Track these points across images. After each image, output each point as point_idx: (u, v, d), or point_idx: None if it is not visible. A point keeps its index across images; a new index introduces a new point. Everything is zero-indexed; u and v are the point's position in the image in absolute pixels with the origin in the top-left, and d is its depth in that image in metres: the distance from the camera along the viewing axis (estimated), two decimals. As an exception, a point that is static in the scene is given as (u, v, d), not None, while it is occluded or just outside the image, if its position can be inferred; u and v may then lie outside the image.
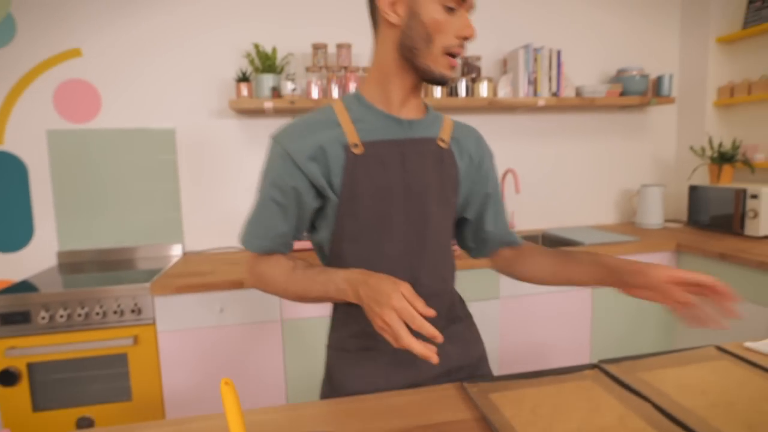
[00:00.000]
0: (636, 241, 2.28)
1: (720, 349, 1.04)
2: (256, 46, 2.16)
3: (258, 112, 2.29)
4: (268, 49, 2.21)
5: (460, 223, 1.08)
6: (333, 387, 0.98)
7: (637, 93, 2.60)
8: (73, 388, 1.79)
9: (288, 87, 2.14)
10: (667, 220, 2.84)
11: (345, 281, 0.81)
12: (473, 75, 2.42)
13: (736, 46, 2.68)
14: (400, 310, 0.71)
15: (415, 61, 0.86)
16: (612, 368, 0.95)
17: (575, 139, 2.75)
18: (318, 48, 2.23)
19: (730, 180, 2.57)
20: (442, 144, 0.95)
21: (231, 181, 2.36)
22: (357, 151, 0.86)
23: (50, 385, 1.79)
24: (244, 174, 2.37)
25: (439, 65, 0.85)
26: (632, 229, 2.63)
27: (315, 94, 2.19)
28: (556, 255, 1.00)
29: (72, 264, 2.21)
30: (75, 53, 2.13)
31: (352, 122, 0.88)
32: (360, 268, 0.89)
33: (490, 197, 1.04)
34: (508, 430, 0.74)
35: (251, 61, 2.18)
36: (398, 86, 0.90)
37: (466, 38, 0.85)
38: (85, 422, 1.80)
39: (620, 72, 2.63)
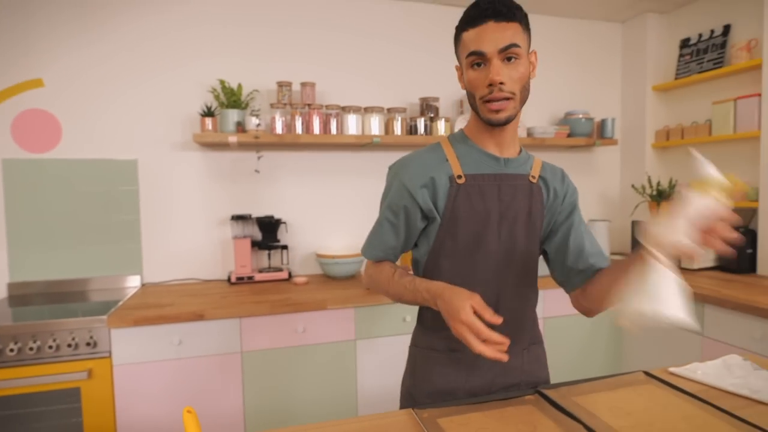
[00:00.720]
0: (583, 273, 2.42)
1: (647, 374, 1.14)
2: (222, 82, 2.23)
3: (222, 146, 2.34)
4: (234, 85, 2.28)
5: (548, 256, 1.15)
6: (416, 381, 1.12)
7: (583, 135, 2.80)
8: (21, 425, 1.73)
9: (253, 122, 2.21)
10: (613, 253, 3.01)
11: (427, 291, 0.97)
12: (431, 114, 2.55)
13: (670, 94, 2.94)
14: (469, 324, 0.85)
15: (476, 113, 1.03)
16: (551, 393, 1.04)
17: (527, 176, 2.91)
18: (282, 85, 2.31)
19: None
20: (532, 180, 1.08)
21: (193, 213, 2.38)
22: (460, 181, 1.02)
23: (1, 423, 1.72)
24: (205, 205, 2.39)
25: (483, 112, 1.00)
26: (581, 262, 2.77)
27: (279, 129, 2.26)
28: (610, 269, 1.06)
29: (23, 296, 2.16)
30: (37, 83, 2.13)
31: (457, 157, 1.04)
32: (454, 280, 1.03)
33: (573, 229, 1.11)
34: (452, 452, 0.80)
35: (216, 96, 2.24)
36: (481, 129, 1.05)
37: (492, 84, 0.95)
38: None
39: (567, 115, 2.83)
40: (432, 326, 1.11)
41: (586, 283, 1.10)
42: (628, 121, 3.06)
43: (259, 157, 2.42)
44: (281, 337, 1.96)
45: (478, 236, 1.04)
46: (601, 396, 1.03)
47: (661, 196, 2.75)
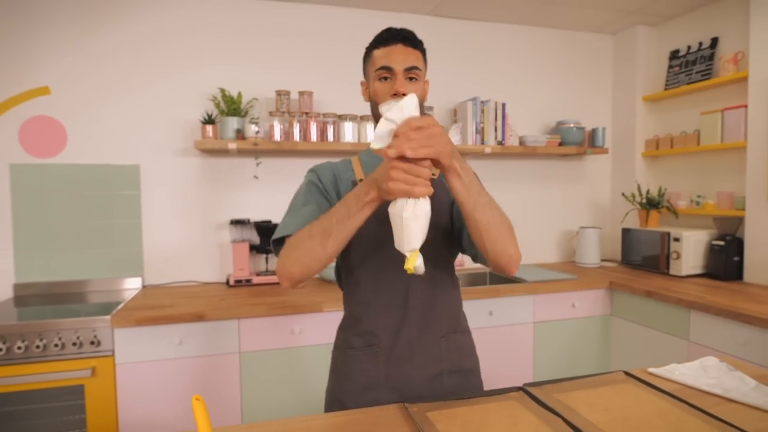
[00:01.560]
0: (573, 279, 2.48)
1: (627, 373, 1.20)
2: (222, 91, 2.30)
3: (222, 152, 2.40)
4: (233, 94, 2.34)
5: (458, 234, 1.20)
6: (338, 382, 1.16)
7: (574, 143, 2.87)
8: (28, 420, 1.78)
9: (252, 129, 2.27)
10: (603, 260, 3.08)
11: (358, 187, 0.95)
12: (427, 123, 2.62)
13: (659, 105, 3.02)
14: (403, 168, 0.84)
15: (377, 121, 1.08)
16: (534, 390, 1.10)
17: (519, 184, 2.98)
18: (281, 94, 2.38)
19: (657, 224, 2.85)
20: (433, 176, 1.12)
21: (192, 217, 2.44)
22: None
23: (3, 417, 1.77)
24: (206, 209, 2.46)
25: None
26: (572, 268, 2.84)
27: (277, 136, 2.33)
28: None
29: (28, 296, 2.21)
30: (44, 91, 2.20)
31: (361, 165, 1.17)
32: (365, 277, 1.12)
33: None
34: (438, 443, 0.86)
35: (217, 105, 2.31)
36: None
37: (396, 94, 1.06)
38: None
39: (559, 124, 2.91)
40: (348, 324, 1.18)
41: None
42: (619, 131, 3.13)
43: (258, 164, 2.48)
44: (278, 338, 2.02)
45: (379, 235, 1.09)
46: (582, 393, 1.09)
47: (650, 204, 2.82)
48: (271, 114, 2.34)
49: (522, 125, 2.95)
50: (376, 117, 1.12)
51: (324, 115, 2.43)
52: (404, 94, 1.05)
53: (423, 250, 0.93)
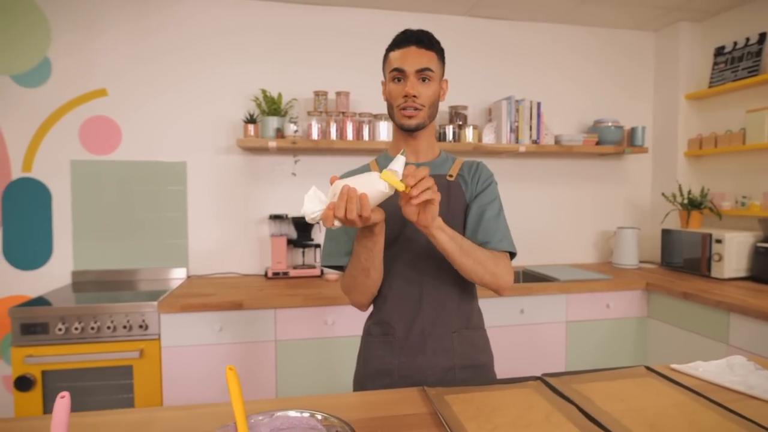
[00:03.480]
0: (608, 279, 2.45)
1: (648, 368, 1.21)
2: (263, 92, 2.41)
3: (262, 150, 2.52)
4: (274, 94, 2.45)
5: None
6: (360, 365, 1.27)
7: (613, 142, 2.83)
8: (81, 396, 1.94)
9: (291, 128, 2.37)
10: (642, 261, 3.01)
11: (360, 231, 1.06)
12: (460, 122, 2.65)
13: (703, 103, 2.93)
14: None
15: (393, 121, 1.19)
16: (551, 379, 1.12)
17: (555, 183, 2.97)
18: (319, 94, 2.47)
19: (698, 225, 2.77)
20: (449, 178, 1.21)
21: (235, 211, 2.57)
22: None
23: (59, 392, 1.93)
24: (246, 204, 2.58)
25: (398, 117, 1.17)
26: (609, 269, 2.80)
27: (315, 135, 2.42)
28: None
29: (84, 283, 2.40)
30: (101, 93, 2.37)
31: (378, 168, 1.23)
32: (385, 278, 1.18)
33: (479, 204, 1.20)
34: (453, 421, 0.91)
35: (258, 105, 2.42)
36: (398, 139, 1.22)
37: (407, 96, 1.13)
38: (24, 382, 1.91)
39: (597, 123, 2.87)
40: (372, 313, 1.27)
41: None
42: (660, 130, 3.06)
43: (296, 161, 2.59)
44: (312, 328, 2.11)
45: (396, 235, 1.17)
46: (600, 384, 1.11)
47: (692, 205, 2.75)
48: (309, 114, 2.44)
49: (558, 124, 2.94)
50: (392, 116, 1.18)
51: (360, 114, 2.51)
52: (415, 96, 1.12)
53: (438, 254, 1.09)
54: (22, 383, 1.89)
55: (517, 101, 2.67)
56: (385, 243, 1.14)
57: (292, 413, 0.80)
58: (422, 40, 1.15)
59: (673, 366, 1.23)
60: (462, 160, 1.27)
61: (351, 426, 0.74)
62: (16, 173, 2.32)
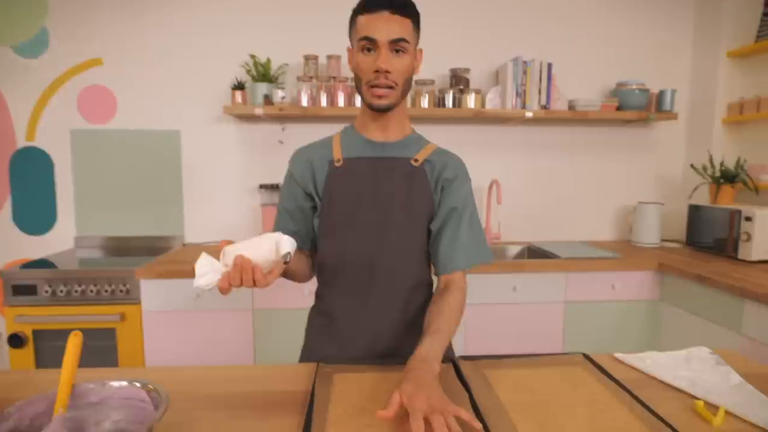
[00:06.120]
0: (615, 258, 2.25)
1: (586, 357, 1.07)
2: (253, 57, 2.36)
3: (253, 118, 2.48)
4: (263, 60, 2.39)
5: (430, 237, 1.16)
6: (304, 350, 1.22)
7: (636, 108, 2.55)
8: (64, 354, 2.03)
9: (278, 95, 2.31)
10: (665, 240, 2.74)
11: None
12: (461, 87, 2.48)
13: (747, 61, 2.57)
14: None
15: (360, 96, 1.07)
16: (462, 363, 1.02)
17: (569, 153, 2.73)
18: (309, 59, 2.39)
19: (731, 200, 2.46)
20: (414, 163, 1.11)
21: (227, 181, 2.57)
22: (338, 164, 1.11)
23: (51, 350, 2.04)
24: (238, 174, 2.57)
25: (367, 96, 1.05)
26: (626, 247, 2.57)
27: (304, 102, 2.35)
28: (429, 315, 1.03)
29: (86, 249, 2.50)
30: (97, 62, 2.42)
31: (341, 144, 1.14)
32: (332, 258, 1.11)
33: (454, 214, 1.11)
34: (322, 402, 0.84)
35: (248, 71, 2.37)
36: (366, 115, 1.12)
37: (378, 71, 0.99)
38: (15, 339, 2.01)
39: (619, 86, 2.59)
40: (316, 303, 1.21)
41: (441, 278, 1.12)
42: (697, 93, 2.72)
43: (283, 129, 2.54)
44: (290, 298, 2.08)
45: (351, 216, 1.09)
46: (516, 372, 0.99)
47: (725, 178, 2.44)
48: (298, 79, 2.37)
49: (575, 88, 2.68)
50: (359, 90, 1.05)
51: (351, 79, 2.40)
52: (387, 72, 0.99)
53: (393, 231, 1.08)
54: (15, 340, 2.01)
55: (524, 62, 2.45)
56: (332, 226, 1.10)
57: (123, 383, 0.76)
58: (396, 4, 0.98)
59: (617, 355, 1.09)
60: (434, 146, 1.16)
61: (166, 396, 0.70)
62: (21, 142, 2.43)
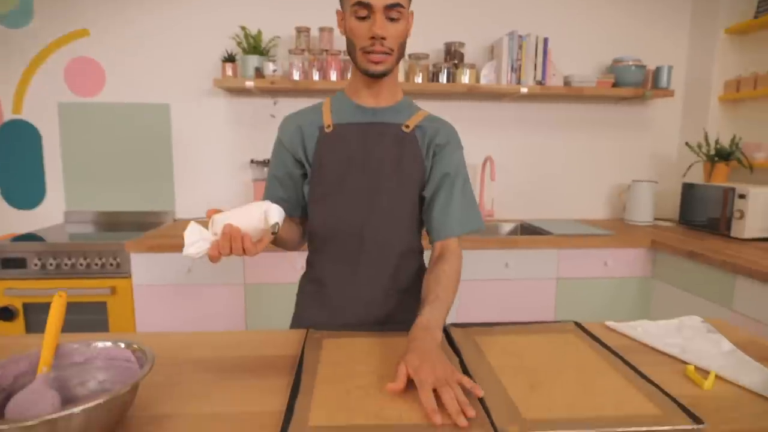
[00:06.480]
0: (607, 235, 2.25)
1: (578, 325, 1.07)
2: (243, 29, 2.31)
3: (244, 92, 2.44)
4: (254, 31, 2.34)
5: (423, 205, 1.15)
6: (295, 317, 1.22)
7: (632, 84, 2.53)
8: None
9: (269, 68, 2.27)
10: (659, 218, 2.74)
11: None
12: (455, 61, 2.44)
13: (746, 38, 2.54)
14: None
15: (353, 61, 1.05)
16: (452, 329, 1.02)
17: (564, 131, 2.71)
18: (301, 31, 2.34)
19: (725, 179, 2.46)
20: (405, 129, 1.09)
21: (219, 155, 2.53)
22: (328, 130, 1.09)
23: (41, 324, 2.03)
24: (229, 149, 2.54)
25: (362, 62, 1.02)
26: (619, 225, 2.57)
27: (296, 75, 2.31)
28: (426, 284, 1.02)
29: (76, 223, 2.47)
30: (83, 33, 2.36)
31: (331, 110, 1.11)
32: (322, 225, 1.10)
33: (447, 180, 1.10)
34: (311, 365, 0.83)
35: (239, 43, 2.33)
36: (357, 81, 1.09)
37: (374, 37, 0.98)
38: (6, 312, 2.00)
39: (615, 62, 2.56)
40: (306, 270, 1.20)
41: (435, 245, 1.11)
42: (694, 70, 2.70)
43: (274, 103, 2.50)
44: (281, 273, 2.07)
45: (341, 182, 1.08)
46: (507, 338, 0.99)
47: (720, 156, 2.43)
48: (290, 52, 2.32)
49: (571, 64, 2.65)
50: (352, 55, 1.04)
51: (344, 52, 2.36)
52: (383, 38, 0.97)
53: (383, 197, 1.07)
54: (5, 313, 1.99)
55: (520, 36, 2.42)
56: (322, 192, 1.09)
57: (107, 343, 0.75)
58: None
59: (608, 323, 1.09)
60: (426, 113, 1.15)
61: (151, 356, 0.69)
62: (7, 115, 2.38)
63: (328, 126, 1.09)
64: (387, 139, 1.08)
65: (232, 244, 0.84)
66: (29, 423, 0.53)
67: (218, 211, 0.87)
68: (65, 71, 2.38)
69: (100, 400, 0.57)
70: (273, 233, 0.85)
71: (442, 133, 1.12)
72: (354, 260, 1.10)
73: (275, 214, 0.86)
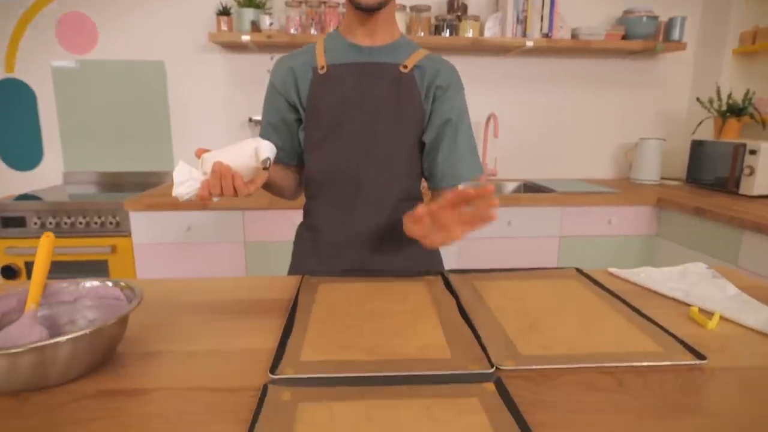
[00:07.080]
0: (612, 193, 2.21)
1: (579, 271, 1.05)
2: (238, -20, 2.22)
3: (241, 47, 2.37)
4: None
5: (423, 150, 1.12)
6: (292, 265, 1.21)
7: (643, 37, 2.43)
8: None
9: (266, 21, 2.20)
10: (666, 177, 2.69)
11: None
12: (459, 13, 2.36)
13: (763, -13, 2.43)
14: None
15: None
16: (452, 275, 1.00)
17: (571, 86, 2.63)
18: (299, -18, 2.25)
19: (736, 135, 2.39)
20: (403, 69, 1.04)
21: (216, 114, 2.49)
22: (321, 71, 1.04)
23: (43, 284, 2.03)
24: (227, 107, 2.48)
25: None
26: (625, 184, 2.52)
27: (293, 29, 2.23)
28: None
29: (75, 184, 2.45)
30: (74, -15, 2.28)
31: (324, 50, 1.06)
32: (317, 169, 1.07)
33: (449, 126, 1.07)
34: (304, 311, 0.82)
35: (234, -5, 2.25)
36: (352, 18, 1.04)
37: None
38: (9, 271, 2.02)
39: (626, 13, 2.46)
40: (303, 218, 1.19)
41: (441, 192, 1.10)
42: (708, 22, 2.59)
43: (272, 58, 2.43)
44: (281, 230, 2.05)
45: (337, 125, 1.04)
46: (506, 283, 0.97)
47: (731, 112, 2.36)
48: (287, 5, 2.24)
49: (579, 15, 2.55)
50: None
51: (342, 5, 2.28)
52: None
53: (380, 140, 1.04)
54: (8, 272, 2.00)
55: (526, -13, 2.32)
56: (318, 137, 1.05)
57: (95, 282, 0.73)
58: None
59: (611, 270, 1.07)
60: (425, 52, 1.08)
61: (140, 293, 0.67)
62: (1, 73, 2.33)
63: (322, 67, 1.04)
64: (384, 80, 1.04)
65: (222, 182, 0.81)
66: (16, 350, 0.52)
67: (208, 150, 0.84)
68: (57, 27, 2.31)
69: (87, 331, 0.56)
70: (264, 168, 0.82)
71: (443, 74, 1.07)
72: (350, 205, 1.07)
73: (266, 149, 0.82)
